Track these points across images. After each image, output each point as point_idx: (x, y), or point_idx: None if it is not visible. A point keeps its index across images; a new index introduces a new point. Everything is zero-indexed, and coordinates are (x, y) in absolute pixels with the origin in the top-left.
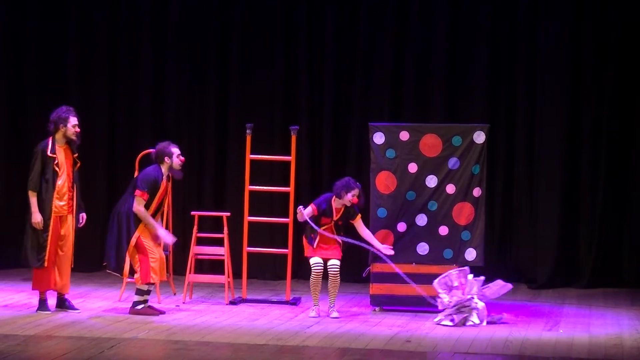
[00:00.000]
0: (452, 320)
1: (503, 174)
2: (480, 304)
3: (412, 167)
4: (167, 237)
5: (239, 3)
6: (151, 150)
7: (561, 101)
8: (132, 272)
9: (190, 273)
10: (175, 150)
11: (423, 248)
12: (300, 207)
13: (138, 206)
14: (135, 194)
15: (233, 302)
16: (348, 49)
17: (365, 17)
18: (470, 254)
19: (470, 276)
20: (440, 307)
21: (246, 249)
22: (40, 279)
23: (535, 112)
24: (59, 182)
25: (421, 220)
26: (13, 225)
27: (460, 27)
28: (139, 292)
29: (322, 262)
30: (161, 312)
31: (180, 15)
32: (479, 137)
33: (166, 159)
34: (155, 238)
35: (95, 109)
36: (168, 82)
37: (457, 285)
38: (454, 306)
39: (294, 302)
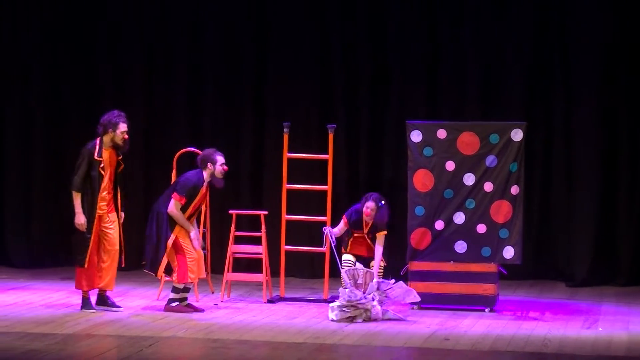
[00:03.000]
0: (337, 315)
1: (541, 172)
2: (378, 307)
3: (450, 165)
4: (195, 242)
5: (275, 3)
6: (189, 148)
7: (598, 99)
8: (168, 271)
9: (228, 271)
10: (220, 159)
11: (461, 246)
12: (327, 228)
13: (174, 209)
14: (173, 197)
15: (271, 301)
16: (383, 46)
17: (399, 14)
18: (509, 252)
19: (375, 280)
20: (339, 295)
21: (284, 247)
22: (82, 278)
23: (573, 110)
24: (103, 184)
25: (459, 218)
26: (51, 225)
27: (496, 24)
28: (175, 290)
29: (352, 259)
30: (199, 310)
31: (217, 15)
32: (517, 135)
33: (209, 165)
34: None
35: (131, 106)
36: (204, 81)
37: (361, 282)
38: (347, 301)
39: (332, 300)
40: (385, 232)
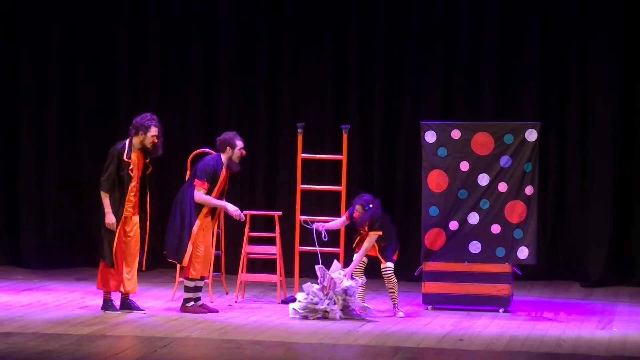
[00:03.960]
0: (295, 312)
1: (555, 172)
2: (336, 308)
3: (464, 166)
4: (237, 212)
5: (290, 2)
6: (203, 149)
7: (613, 99)
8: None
9: (242, 272)
10: (239, 143)
11: (475, 246)
12: (318, 224)
13: (200, 195)
14: (195, 183)
15: (285, 301)
16: (399, 46)
17: (415, 14)
18: (523, 253)
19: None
20: (304, 289)
21: (298, 248)
22: (105, 279)
23: (588, 110)
24: (131, 186)
25: (473, 218)
26: (65, 226)
27: (511, 24)
28: (186, 289)
29: (364, 260)
30: (213, 311)
31: (230, 15)
32: (531, 135)
33: (228, 149)
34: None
35: (146, 108)
36: (218, 83)
37: (326, 285)
38: (307, 301)
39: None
40: (378, 233)
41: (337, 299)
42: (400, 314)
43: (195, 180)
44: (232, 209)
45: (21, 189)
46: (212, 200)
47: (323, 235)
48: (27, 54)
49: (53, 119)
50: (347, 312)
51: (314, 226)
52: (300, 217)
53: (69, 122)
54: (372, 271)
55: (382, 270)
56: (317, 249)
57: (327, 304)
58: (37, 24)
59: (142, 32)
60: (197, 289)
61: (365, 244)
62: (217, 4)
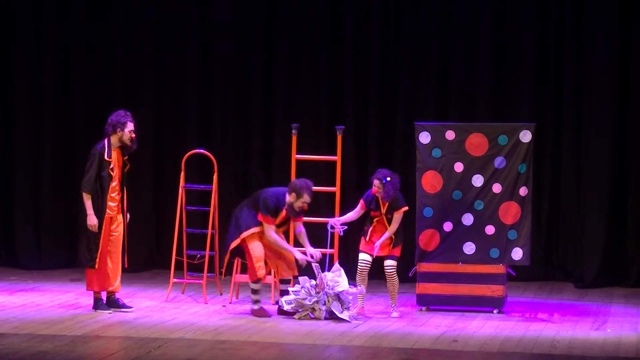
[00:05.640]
0: (277, 303)
1: (550, 174)
2: (325, 311)
3: (458, 167)
4: (304, 259)
5: (286, 3)
6: (198, 150)
7: (608, 101)
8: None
9: (236, 273)
10: (306, 197)
11: (469, 247)
12: (333, 220)
13: (270, 234)
14: (259, 218)
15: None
16: (394, 47)
17: (411, 15)
18: (517, 254)
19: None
20: (299, 282)
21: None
22: (94, 280)
23: (582, 112)
24: (112, 185)
25: (467, 219)
26: (60, 227)
27: (507, 26)
28: (252, 291)
29: (368, 259)
30: (269, 315)
31: (226, 15)
32: (525, 136)
33: (293, 195)
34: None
35: (141, 110)
36: (214, 84)
37: (318, 283)
38: (298, 296)
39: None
40: (403, 209)
41: (328, 301)
42: (395, 314)
43: (259, 215)
44: (300, 257)
45: (16, 190)
46: (282, 243)
47: (340, 230)
48: (22, 52)
49: (48, 120)
50: (334, 316)
51: (330, 222)
52: (328, 220)
53: (64, 123)
54: (372, 271)
55: (385, 267)
56: (328, 250)
57: (316, 302)
58: (32, 24)
59: (137, 34)
60: (254, 291)
61: (394, 225)
62: (213, 4)
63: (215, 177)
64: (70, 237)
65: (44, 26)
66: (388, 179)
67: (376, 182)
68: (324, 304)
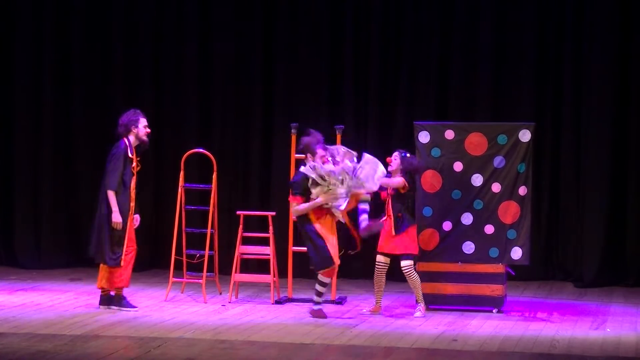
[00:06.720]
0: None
1: (549, 173)
2: (343, 197)
3: (458, 166)
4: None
5: (286, 3)
6: (197, 149)
7: (607, 101)
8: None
9: (236, 272)
10: (320, 152)
11: (469, 247)
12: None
13: (297, 209)
14: (290, 199)
15: (279, 302)
16: (393, 47)
17: (411, 15)
18: (516, 253)
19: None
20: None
21: (292, 248)
22: (115, 277)
23: (582, 112)
24: (132, 184)
25: (467, 219)
26: (59, 227)
27: (507, 26)
28: (316, 293)
29: (384, 261)
30: (326, 317)
31: (226, 15)
32: (525, 136)
33: (309, 156)
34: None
35: (141, 110)
36: (214, 84)
37: (338, 161)
38: (321, 168)
39: (340, 301)
40: (403, 180)
41: (345, 178)
42: (418, 314)
43: (290, 197)
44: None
45: (15, 190)
46: (308, 205)
47: (379, 223)
48: (22, 52)
49: (48, 120)
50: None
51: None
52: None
53: (64, 123)
54: (371, 271)
55: (402, 268)
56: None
57: (336, 182)
58: (32, 24)
59: (137, 34)
60: (318, 294)
61: (388, 181)
62: (212, 4)
63: (214, 176)
64: (70, 237)
65: (43, 26)
66: (408, 155)
67: (396, 153)
68: (342, 183)
